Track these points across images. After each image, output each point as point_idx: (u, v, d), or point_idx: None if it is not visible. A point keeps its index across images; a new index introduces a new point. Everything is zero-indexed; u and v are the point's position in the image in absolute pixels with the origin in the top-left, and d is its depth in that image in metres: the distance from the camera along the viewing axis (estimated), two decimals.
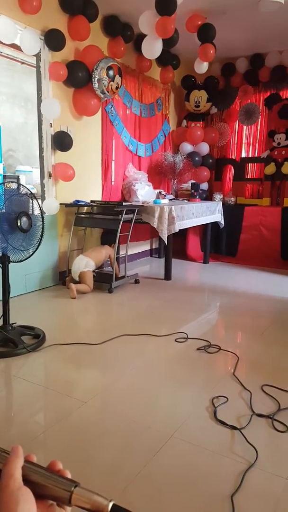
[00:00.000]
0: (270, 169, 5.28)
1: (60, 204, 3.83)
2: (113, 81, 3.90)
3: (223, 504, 1.27)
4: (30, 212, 2.45)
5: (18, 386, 2.04)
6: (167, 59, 5.00)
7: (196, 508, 1.27)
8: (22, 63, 4.72)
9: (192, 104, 5.55)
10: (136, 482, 1.36)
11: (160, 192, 4.96)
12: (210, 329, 2.94)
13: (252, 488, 1.34)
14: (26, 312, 3.11)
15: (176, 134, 5.73)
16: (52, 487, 0.46)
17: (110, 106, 4.41)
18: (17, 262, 2.47)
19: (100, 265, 3.99)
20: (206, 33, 4.11)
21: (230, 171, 5.88)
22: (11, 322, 2.52)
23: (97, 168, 4.43)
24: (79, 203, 3.94)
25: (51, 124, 3.75)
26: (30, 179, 4.64)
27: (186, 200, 5.07)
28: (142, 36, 3.89)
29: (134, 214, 3.95)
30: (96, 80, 3.79)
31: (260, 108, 5.47)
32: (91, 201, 4.14)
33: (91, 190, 4.35)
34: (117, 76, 3.93)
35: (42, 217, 2.48)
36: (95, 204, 4.05)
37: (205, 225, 5.09)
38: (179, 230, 4.12)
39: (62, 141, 3.77)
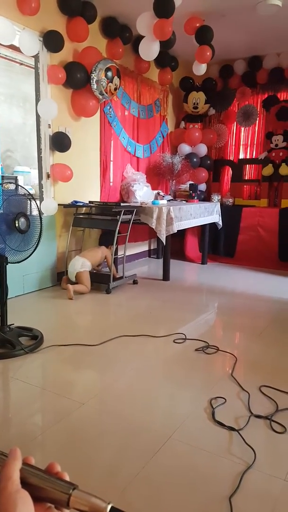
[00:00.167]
0: (268, 170, 5.29)
1: (58, 204, 3.83)
2: (112, 82, 3.90)
3: (221, 505, 1.27)
4: (28, 213, 2.45)
5: (16, 387, 2.03)
6: (166, 60, 5.01)
7: (194, 509, 1.27)
8: (21, 64, 4.72)
9: (190, 106, 5.56)
10: (134, 483, 1.36)
11: (158, 193, 4.97)
12: (208, 330, 2.94)
13: (250, 489, 1.34)
14: (24, 313, 3.10)
15: (174, 135, 5.74)
16: (50, 489, 0.46)
17: (108, 107, 4.41)
18: (15, 263, 2.46)
19: (97, 265, 3.98)
20: (204, 35, 4.12)
21: (228, 172, 5.89)
22: (9, 323, 2.51)
23: (95, 169, 4.43)
24: (78, 204, 3.94)
25: (49, 125, 3.75)
26: (28, 179, 4.64)
27: (184, 201, 5.08)
28: (140, 38, 3.89)
29: (132, 215, 3.95)
30: (94, 81, 3.80)
31: (258, 109, 5.49)
32: (90, 202, 4.14)
33: (89, 191, 4.35)
34: (115, 77, 3.93)
35: (40, 218, 2.48)
36: (94, 204, 4.05)
37: (203, 226, 5.09)
38: (177, 231, 4.13)
39: (60, 142, 3.77)
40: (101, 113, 4.34)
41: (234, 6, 3.89)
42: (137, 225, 4.14)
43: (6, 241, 2.34)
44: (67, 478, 0.48)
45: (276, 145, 5.24)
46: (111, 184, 4.66)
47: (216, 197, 5.52)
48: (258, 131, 5.64)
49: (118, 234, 3.75)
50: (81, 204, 3.96)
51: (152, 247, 5.73)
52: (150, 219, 4.01)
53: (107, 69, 3.83)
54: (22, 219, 2.35)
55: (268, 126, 5.44)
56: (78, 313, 3.26)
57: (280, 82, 5.22)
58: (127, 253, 4.25)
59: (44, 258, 3.75)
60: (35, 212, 2.49)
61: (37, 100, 3.65)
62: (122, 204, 4.11)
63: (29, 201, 2.47)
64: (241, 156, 5.82)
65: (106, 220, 3.88)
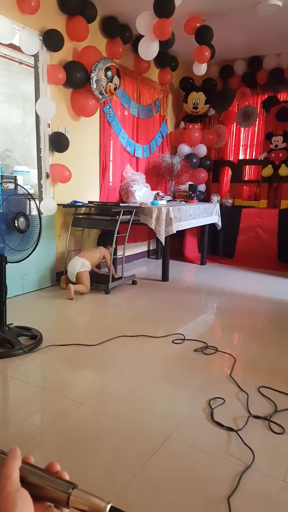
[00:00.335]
0: (268, 171, 5.29)
1: (58, 204, 3.82)
2: (111, 82, 3.90)
3: (219, 505, 1.27)
4: (28, 213, 2.45)
5: (15, 387, 2.03)
6: (166, 60, 5.01)
7: (193, 510, 1.27)
8: (20, 63, 4.71)
9: (190, 106, 5.56)
10: (132, 484, 1.36)
11: (157, 194, 4.97)
12: (207, 330, 2.94)
13: (248, 490, 1.34)
14: (23, 313, 3.10)
15: (174, 136, 5.74)
16: (50, 488, 0.46)
17: (108, 107, 4.41)
18: (14, 262, 2.46)
19: (96, 266, 3.98)
20: (203, 35, 4.12)
21: (228, 173, 5.89)
22: (8, 322, 2.51)
23: (95, 169, 4.43)
24: (77, 204, 3.94)
25: (49, 124, 3.75)
26: (27, 179, 4.63)
27: (184, 201, 5.08)
28: (140, 37, 3.89)
29: (131, 215, 3.95)
30: (94, 81, 3.79)
31: (258, 110, 5.49)
32: (89, 202, 4.14)
33: (88, 191, 4.35)
34: (115, 77, 3.93)
35: (40, 218, 2.48)
36: (93, 205, 4.04)
37: (203, 227, 5.09)
38: (177, 231, 4.13)
39: (58, 142, 3.76)
40: (101, 113, 4.34)
41: (234, 6, 3.89)
42: (136, 225, 4.14)
43: (5, 240, 2.34)
44: (66, 477, 0.48)
45: (276, 146, 5.24)
46: (110, 184, 4.66)
47: (215, 198, 5.52)
48: (258, 132, 5.64)
49: (117, 234, 3.75)
50: (80, 204, 3.96)
51: (151, 248, 5.73)
52: (150, 219, 4.01)
53: (107, 69, 3.83)
54: (21, 219, 2.35)
55: (268, 126, 5.45)
56: (77, 313, 3.25)
57: (280, 82, 5.22)
58: (126, 254, 4.25)
59: (43, 258, 3.75)
60: (34, 212, 2.48)
61: (37, 99, 3.64)
62: (121, 204, 4.11)
63: (28, 201, 2.46)
64: (241, 156, 5.82)
65: (106, 220, 3.88)
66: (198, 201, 5.19)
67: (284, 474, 1.42)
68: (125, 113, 4.78)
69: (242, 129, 5.73)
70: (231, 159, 5.86)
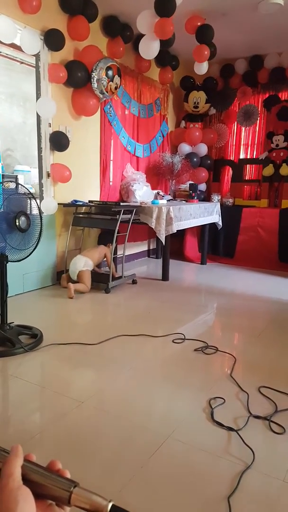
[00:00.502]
0: (268, 170, 5.29)
1: (58, 204, 3.83)
2: (112, 81, 3.90)
3: (220, 505, 1.27)
4: (29, 212, 2.45)
5: (15, 385, 2.03)
6: (166, 59, 5.00)
7: (193, 509, 1.27)
8: (21, 62, 4.72)
9: (190, 105, 5.56)
10: (132, 483, 1.36)
11: (158, 193, 4.97)
12: (207, 330, 2.94)
13: (249, 490, 1.34)
14: (23, 312, 3.10)
15: (174, 135, 5.73)
16: (52, 486, 0.46)
17: (108, 106, 4.41)
18: (15, 261, 2.46)
19: (97, 265, 3.98)
20: (204, 34, 4.11)
21: (228, 172, 5.89)
22: (8, 321, 2.51)
23: (95, 168, 4.43)
24: (77, 203, 3.94)
25: (49, 123, 3.75)
26: (28, 179, 4.64)
27: (184, 201, 5.08)
28: (141, 37, 3.89)
29: (132, 215, 3.95)
30: (95, 80, 3.79)
31: (259, 109, 5.48)
32: (89, 201, 4.14)
33: (89, 190, 4.35)
34: (116, 76, 3.93)
35: (41, 217, 2.48)
36: (93, 204, 4.04)
37: (203, 226, 5.09)
38: (177, 231, 4.13)
39: (58, 142, 3.76)
40: (102, 112, 4.34)
41: (235, 4, 3.88)
42: (136, 224, 4.14)
43: (6, 239, 2.34)
44: (68, 475, 0.48)
45: (277, 145, 5.24)
46: (110, 183, 4.66)
47: (216, 197, 5.52)
48: (259, 131, 5.64)
49: (117, 233, 3.75)
50: (80, 203, 3.96)
51: (151, 247, 5.73)
52: (150, 218, 4.01)
53: (108, 68, 3.82)
54: (22, 218, 2.35)
55: (269, 126, 5.44)
56: (78, 312, 3.25)
57: (281, 81, 5.21)
58: (127, 253, 4.25)
59: (44, 257, 3.75)
60: (35, 211, 2.49)
61: (38, 99, 3.64)
62: (121, 203, 4.11)
63: (29, 200, 2.47)
64: (242, 156, 5.82)
65: (106, 220, 3.88)
66: (199, 201, 5.19)
67: (284, 474, 1.42)
68: (126, 113, 4.78)
69: (243, 128, 5.72)
70: (232, 158, 5.86)
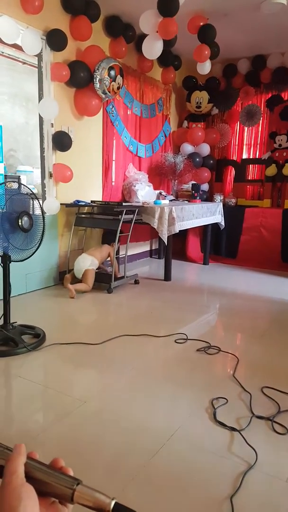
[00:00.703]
0: (271, 170, 5.28)
1: (61, 204, 3.83)
2: (115, 81, 3.90)
3: (222, 505, 1.27)
4: (31, 212, 2.45)
5: (18, 385, 2.03)
6: (169, 59, 5.00)
7: (195, 509, 1.27)
8: (24, 63, 4.72)
9: (193, 105, 5.55)
10: (135, 483, 1.36)
11: (160, 193, 4.96)
12: (210, 330, 2.94)
13: (251, 490, 1.34)
14: (26, 312, 3.11)
15: (176, 135, 5.73)
16: (55, 484, 0.46)
17: (111, 107, 4.41)
18: (18, 261, 2.47)
19: (101, 264, 3.99)
20: (206, 34, 4.11)
21: (231, 172, 5.88)
22: (11, 321, 2.52)
23: (97, 168, 4.43)
24: (80, 203, 3.94)
25: (52, 124, 3.75)
26: (31, 179, 4.64)
27: (187, 201, 5.07)
28: (143, 37, 3.89)
29: (134, 215, 3.95)
30: (97, 80, 3.80)
31: (262, 109, 5.48)
32: (92, 201, 4.14)
33: (91, 190, 4.35)
34: (118, 76, 3.93)
35: (43, 217, 2.49)
36: (96, 204, 4.05)
37: (205, 226, 5.09)
38: (179, 231, 4.12)
39: (61, 141, 3.76)
40: (104, 112, 4.34)
41: (238, 4, 3.88)
42: (138, 225, 4.14)
43: (9, 239, 2.35)
44: (71, 473, 0.48)
45: (280, 145, 5.23)
46: (113, 183, 4.66)
47: (218, 197, 5.51)
48: (262, 131, 5.63)
49: (119, 233, 3.75)
50: (83, 203, 3.96)
51: (153, 247, 5.73)
52: (152, 219, 4.01)
53: (110, 68, 3.83)
54: (25, 218, 2.35)
55: (272, 126, 5.44)
56: (80, 312, 3.26)
57: (284, 81, 5.20)
58: (129, 253, 4.25)
59: (46, 257, 3.76)
60: (37, 211, 2.49)
61: (40, 99, 3.65)
62: (124, 203, 4.11)
63: (31, 200, 2.47)
64: (244, 156, 5.81)
65: (108, 220, 3.88)
66: (201, 201, 5.18)
67: (287, 475, 1.42)
68: (128, 113, 4.78)
69: (246, 128, 5.71)
70: (235, 158, 5.85)
